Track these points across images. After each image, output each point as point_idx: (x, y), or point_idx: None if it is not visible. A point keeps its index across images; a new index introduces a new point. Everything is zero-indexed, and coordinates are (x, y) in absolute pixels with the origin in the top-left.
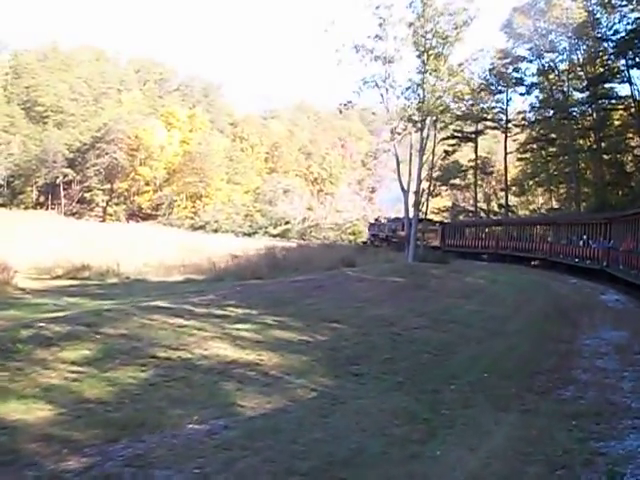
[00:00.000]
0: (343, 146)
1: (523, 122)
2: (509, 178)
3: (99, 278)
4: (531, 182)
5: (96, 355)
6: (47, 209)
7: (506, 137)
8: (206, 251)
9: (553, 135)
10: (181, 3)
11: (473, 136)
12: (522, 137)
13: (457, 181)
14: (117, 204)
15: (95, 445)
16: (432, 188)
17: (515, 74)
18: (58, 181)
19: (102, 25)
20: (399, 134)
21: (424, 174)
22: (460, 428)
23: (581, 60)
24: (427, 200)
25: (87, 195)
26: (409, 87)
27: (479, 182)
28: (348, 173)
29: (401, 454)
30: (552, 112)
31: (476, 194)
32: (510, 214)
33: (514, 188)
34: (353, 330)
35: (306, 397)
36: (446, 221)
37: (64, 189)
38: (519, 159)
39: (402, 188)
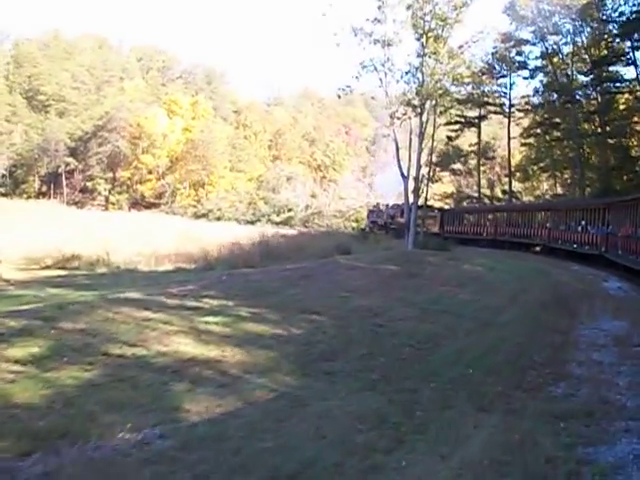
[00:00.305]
0: (347, 133)
1: (527, 107)
2: (513, 164)
3: (89, 268)
4: (535, 168)
5: (44, 353)
6: (49, 198)
7: (509, 122)
8: (205, 239)
9: (557, 119)
10: None
11: (476, 121)
12: (526, 122)
13: (457, 166)
14: (119, 193)
15: (2, 460)
16: (432, 174)
17: (518, 57)
18: (60, 170)
19: (105, 13)
20: (399, 119)
21: (424, 159)
22: (434, 433)
23: (585, 43)
24: (427, 186)
25: (89, 184)
26: (408, 71)
27: (482, 168)
28: (352, 160)
29: (360, 466)
30: (556, 96)
31: (479, 180)
32: (514, 200)
33: (518, 174)
34: (333, 322)
35: (264, 399)
36: (445, 207)
37: (66, 178)
38: (523, 144)
39: (402, 174)
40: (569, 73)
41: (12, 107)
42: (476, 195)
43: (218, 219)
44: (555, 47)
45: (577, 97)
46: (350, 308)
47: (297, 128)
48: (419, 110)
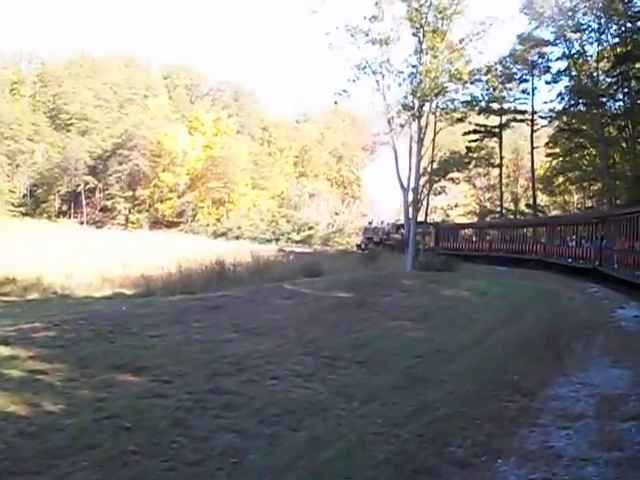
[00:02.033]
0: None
1: (551, 114)
2: (539, 176)
3: (20, 294)
4: (562, 179)
5: None
6: (70, 218)
7: (532, 130)
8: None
9: (583, 127)
10: (218, 11)
11: (497, 130)
12: (550, 131)
13: (455, 174)
14: (139, 212)
15: None
16: (430, 184)
17: (540, 60)
18: (79, 189)
19: (134, 32)
20: (402, 126)
21: (423, 168)
22: None
23: (611, 41)
24: (427, 198)
25: (109, 203)
26: (410, 73)
27: (505, 180)
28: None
29: None
30: (580, 100)
31: (501, 194)
32: (540, 215)
33: (548, 187)
34: (149, 386)
35: None
36: (440, 223)
37: (87, 197)
38: (548, 155)
39: (401, 185)
40: (594, 74)
41: (35, 126)
42: (500, 210)
43: (237, 238)
44: (578, 46)
45: (602, 100)
46: (212, 359)
47: (325, 144)
48: (417, 113)
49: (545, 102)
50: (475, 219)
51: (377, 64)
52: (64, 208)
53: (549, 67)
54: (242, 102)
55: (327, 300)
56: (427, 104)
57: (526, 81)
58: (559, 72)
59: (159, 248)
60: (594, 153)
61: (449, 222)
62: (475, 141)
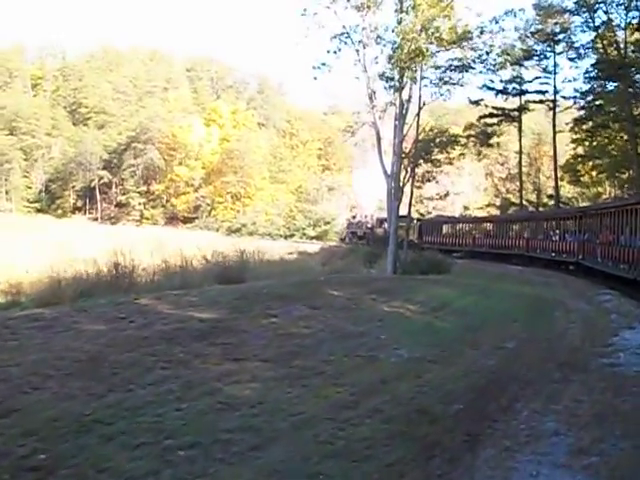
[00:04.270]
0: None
1: (575, 94)
2: (564, 163)
3: None
4: (587, 166)
5: None
6: (85, 214)
7: (554, 112)
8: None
9: (612, 108)
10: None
11: (516, 114)
12: (574, 114)
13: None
14: (154, 207)
15: None
16: (413, 169)
17: (561, 33)
18: (94, 184)
19: (159, 26)
20: (392, 104)
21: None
22: None
23: None
24: (412, 185)
25: (123, 198)
26: (394, 44)
27: (526, 169)
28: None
29: None
30: (606, 74)
31: (521, 183)
32: (563, 206)
33: (575, 177)
34: None
35: None
36: (425, 217)
37: (103, 192)
38: (573, 140)
39: (384, 172)
40: (621, 46)
41: (54, 120)
42: (520, 202)
43: (251, 234)
44: (604, 16)
45: (631, 74)
46: None
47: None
48: (397, 85)
49: (569, 80)
50: (494, 213)
51: (357, 32)
52: (79, 204)
53: (572, 41)
54: (267, 94)
55: (165, 325)
56: (408, 72)
57: (547, 58)
58: (583, 46)
59: (140, 246)
60: (623, 137)
61: (434, 216)
62: (491, 125)
